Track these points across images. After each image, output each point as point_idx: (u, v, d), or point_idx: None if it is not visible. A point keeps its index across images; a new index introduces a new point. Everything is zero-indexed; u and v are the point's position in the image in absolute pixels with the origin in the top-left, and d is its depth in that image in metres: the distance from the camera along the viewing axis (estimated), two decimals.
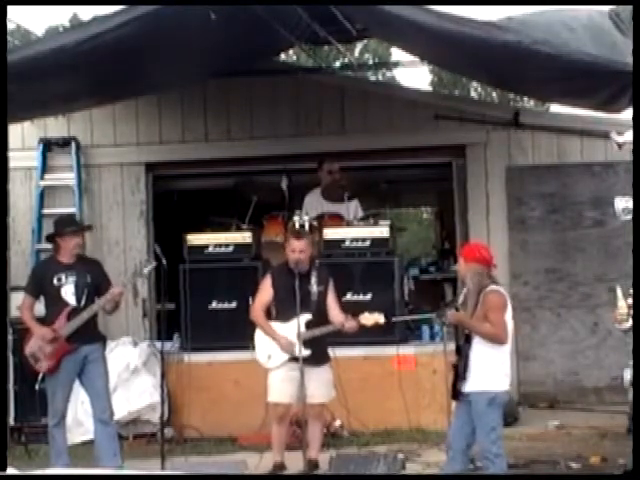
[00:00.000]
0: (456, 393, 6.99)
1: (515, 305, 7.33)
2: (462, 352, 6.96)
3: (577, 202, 10.75)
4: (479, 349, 6.90)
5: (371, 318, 8.15)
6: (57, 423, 8.08)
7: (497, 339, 6.89)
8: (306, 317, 8.11)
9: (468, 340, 6.94)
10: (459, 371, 6.94)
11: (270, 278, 8.41)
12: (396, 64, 14.80)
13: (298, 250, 8.22)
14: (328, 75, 11.64)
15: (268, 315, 8.40)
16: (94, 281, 8.10)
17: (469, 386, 6.92)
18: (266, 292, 8.38)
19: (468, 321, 6.94)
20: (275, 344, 8.19)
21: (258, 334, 8.36)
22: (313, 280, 8.21)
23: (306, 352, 8.00)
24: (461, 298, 7.13)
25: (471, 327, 6.92)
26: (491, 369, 6.91)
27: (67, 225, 8.32)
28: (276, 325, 8.26)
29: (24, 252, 10.78)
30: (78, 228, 8.42)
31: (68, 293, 8.05)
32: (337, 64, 16.04)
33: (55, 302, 8.06)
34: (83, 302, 8.03)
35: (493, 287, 6.97)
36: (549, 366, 10.68)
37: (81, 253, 8.44)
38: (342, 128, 11.17)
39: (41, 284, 8.17)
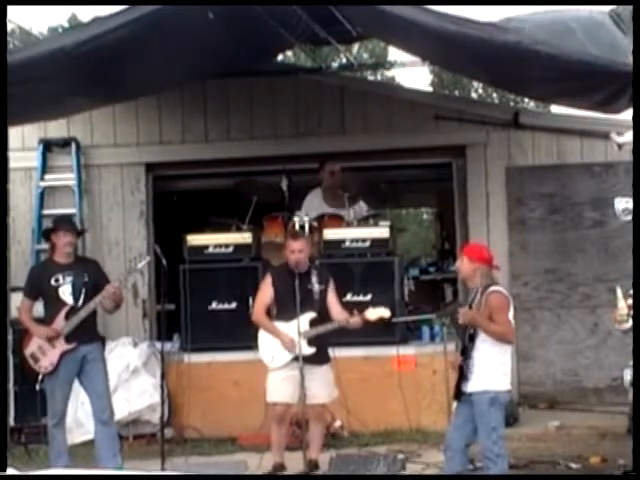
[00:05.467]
0: (458, 393, 7.00)
1: (515, 305, 7.33)
2: (466, 352, 6.97)
3: (577, 202, 10.73)
4: (483, 349, 6.90)
5: (375, 313, 8.15)
6: (57, 423, 8.08)
7: (506, 338, 6.93)
8: (310, 315, 8.13)
9: (472, 340, 6.94)
10: (464, 371, 6.94)
11: (270, 279, 8.41)
12: (396, 64, 14.77)
13: (297, 250, 8.23)
14: (328, 75, 11.62)
15: (269, 315, 8.39)
16: (92, 280, 8.09)
17: (471, 386, 6.92)
18: (266, 293, 8.38)
19: (481, 320, 6.92)
20: (278, 343, 8.18)
21: (262, 335, 8.35)
22: (314, 279, 8.20)
23: (310, 350, 8.01)
24: (477, 298, 7.07)
25: (483, 326, 6.90)
26: (493, 369, 6.91)
27: (62, 223, 8.34)
28: (279, 325, 8.25)
29: (24, 252, 10.76)
30: (71, 227, 8.38)
31: (66, 293, 8.05)
32: (337, 64, 16.00)
33: (53, 302, 8.07)
34: (81, 301, 8.03)
35: (495, 288, 6.99)
36: (549, 366, 10.67)
37: (78, 253, 8.44)
38: (342, 128, 11.15)
39: (39, 286, 8.18)
